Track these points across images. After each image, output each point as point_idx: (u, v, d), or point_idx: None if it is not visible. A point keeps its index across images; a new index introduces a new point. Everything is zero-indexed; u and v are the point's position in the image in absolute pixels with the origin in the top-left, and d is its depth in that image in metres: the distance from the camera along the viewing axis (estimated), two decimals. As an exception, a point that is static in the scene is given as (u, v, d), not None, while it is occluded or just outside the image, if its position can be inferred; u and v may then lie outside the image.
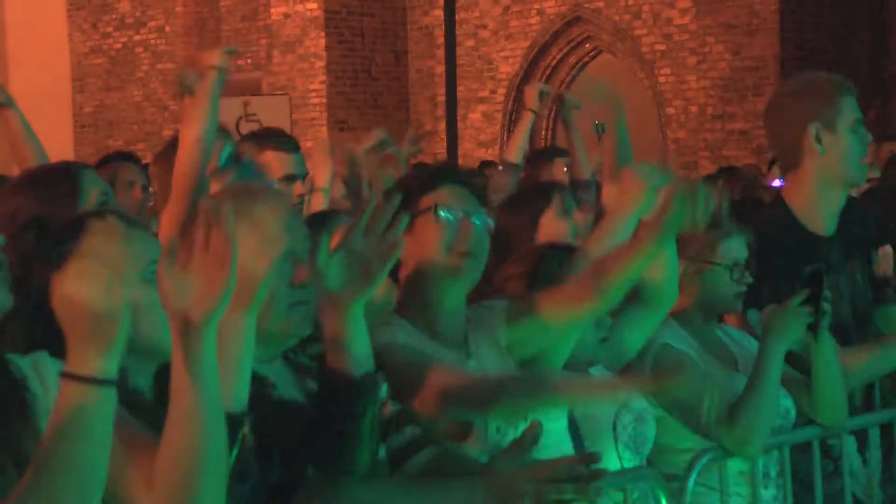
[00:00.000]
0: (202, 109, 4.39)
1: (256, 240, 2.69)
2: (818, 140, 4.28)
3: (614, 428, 3.72)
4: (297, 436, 2.73)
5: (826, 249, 4.29)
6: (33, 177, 3.77)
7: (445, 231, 3.27)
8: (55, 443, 2.13)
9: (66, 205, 3.61)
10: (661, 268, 3.78)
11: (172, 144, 4.84)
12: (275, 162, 5.05)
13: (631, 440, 3.74)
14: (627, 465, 3.75)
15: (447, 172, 3.43)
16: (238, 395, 2.51)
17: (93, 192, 3.68)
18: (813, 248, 4.28)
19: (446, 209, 3.27)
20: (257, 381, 2.77)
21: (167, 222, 4.37)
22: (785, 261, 4.22)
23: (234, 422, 2.43)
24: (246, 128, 13.54)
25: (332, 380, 2.72)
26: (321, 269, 2.72)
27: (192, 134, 4.38)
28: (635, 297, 3.86)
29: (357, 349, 2.73)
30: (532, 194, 4.57)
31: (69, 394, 2.13)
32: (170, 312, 2.25)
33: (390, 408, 3.03)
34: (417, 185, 3.34)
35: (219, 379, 2.27)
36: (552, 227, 4.40)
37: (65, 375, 2.14)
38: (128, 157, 6.53)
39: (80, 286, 2.10)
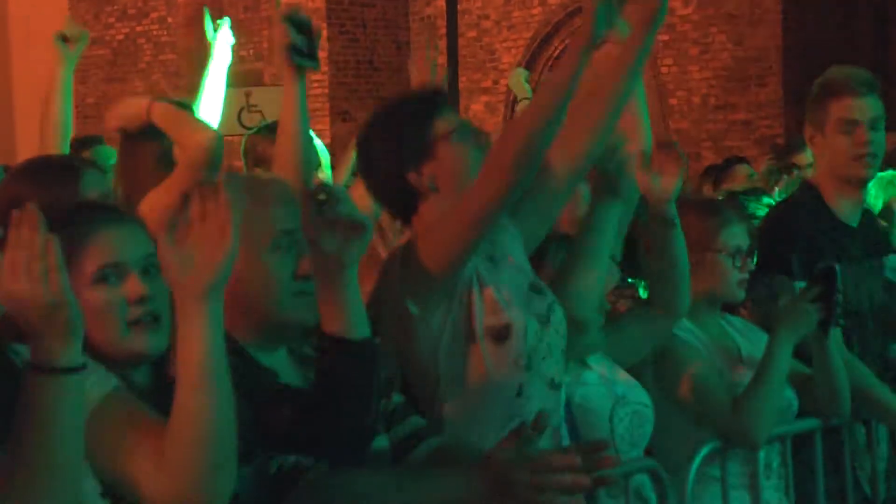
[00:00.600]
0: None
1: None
2: (811, 141, 4.47)
3: (610, 420, 3.72)
4: (298, 423, 2.72)
5: (850, 239, 4.37)
6: (37, 167, 3.75)
7: (470, 153, 3.29)
8: (26, 433, 2.14)
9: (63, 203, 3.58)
10: (674, 273, 3.79)
11: (144, 132, 4.79)
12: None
13: (627, 433, 3.74)
14: (624, 458, 3.75)
15: (443, 96, 3.47)
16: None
17: (92, 193, 3.63)
18: (841, 235, 4.37)
19: (464, 133, 3.32)
20: (260, 370, 2.79)
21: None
22: (818, 243, 4.28)
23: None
24: (248, 119, 13.54)
25: (331, 345, 2.72)
26: (315, 234, 2.71)
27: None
28: (649, 301, 3.87)
29: (354, 313, 2.73)
30: None
31: (33, 385, 2.14)
32: (174, 286, 2.31)
33: (394, 398, 3.04)
34: (424, 110, 3.33)
35: (224, 350, 2.30)
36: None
37: (26, 367, 2.15)
38: (102, 141, 6.53)
39: (15, 281, 2.11)
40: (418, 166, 3.27)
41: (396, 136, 3.29)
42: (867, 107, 4.37)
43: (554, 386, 3.34)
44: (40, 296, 2.11)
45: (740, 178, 8.92)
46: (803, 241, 4.30)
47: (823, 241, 4.32)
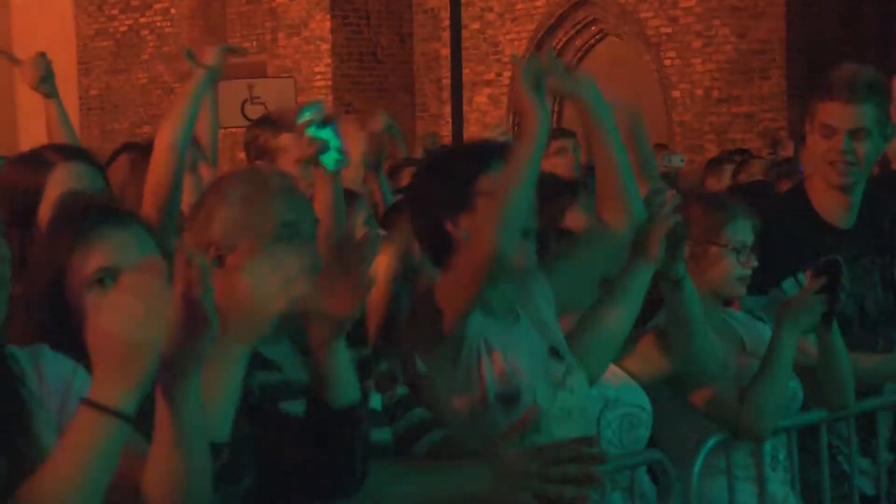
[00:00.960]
0: (181, 110, 4.13)
1: (277, 280, 2.55)
2: (808, 136, 4.42)
3: (597, 423, 3.71)
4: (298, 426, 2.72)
5: (837, 241, 4.34)
6: (22, 155, 3.74)
7: None
8: (61, 462, 2.13)
9: (29, 196, 3.56)
10: (688, 335, 3.79)
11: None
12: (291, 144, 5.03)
13: (616, 436, 3.73)
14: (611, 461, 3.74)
15: (499, 151, 3.46)
16: (221, 424, 2.45)
17: (52, 191, 3.56)
18: (824, 237, 4.34)
19: None
20: (264, 363, 2.78)
21: None
22: (791, 245, 4.28)
23: (213, 450, 2.40)
24: (251, 111, 13.56)
25: (316, 410, 2.69)
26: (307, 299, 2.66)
27: (165, 140, 4.08)
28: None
29: (341, 379, 2.67)
30: (555, 190, 4.57)
31: (86, 420, 2.11)
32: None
33: (397, 391, 3.04)
34: (473, 164, 3.35)
35: (200, 410, 2.26)
36: (577, 222, 4.41)
37: (86, 401, 2.12)
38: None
39: (116, 321, 2.08)
40: (456, 217, 3.31)
41: (441, 184, 3.34)
42: (853, 115, 4.28)
43: None
44: (134, 341, 2.08)
45: (756, 171, 8.93)
46: (781, 242, 4.28)
47: (801, 241, 4.30)
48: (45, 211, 3.51)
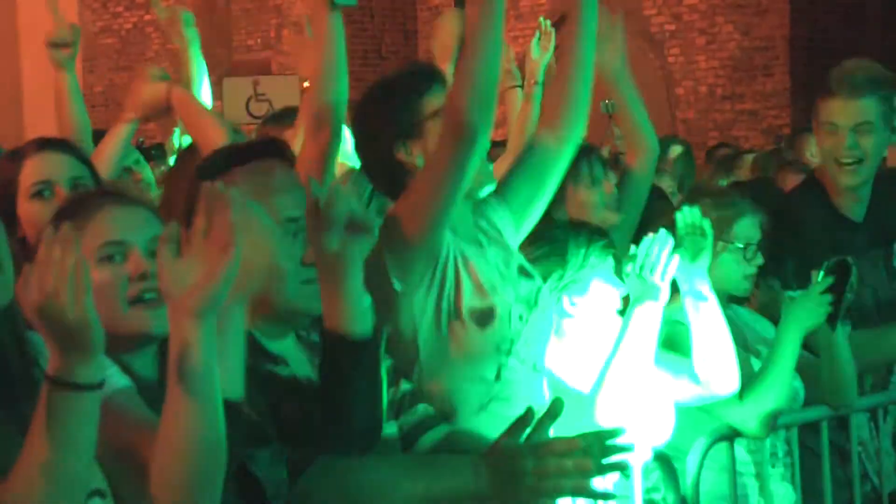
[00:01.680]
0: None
1: (258, 233, 2.64)
2: (816, 134, 4.47)
3: None
4: (306, 414, 2.72)
5: (852, 234, 4.35)
6: (9, 151, 3.76)
7: None
8: (36, 444, 2.12)
9: (6, 189, 3.58)
10: (715, 353, 3.81)
11: (188, 153, 4.83)
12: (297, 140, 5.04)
13: None
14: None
15: (437, 72, 3.47)
16: (234, 382, 2.46)
17: (25, 181, 3.56)
18: (841, 229, 4.36)
19: None
20: (270, 358, 2.80)
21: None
22: (815, 236, 4.29)
23: (233, 408, 2.41)
24: (256, 108, 13.56)
25: (331, 341, 2.70)
26: (314, 235, 2.68)
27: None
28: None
29: (355, 311, 2.68)
30: None
31: (49, 397, 2.11)
32: (168, 300, 2.24)
33: (402, 386, 3.05)
34: (416, 88, 3.34)
35: (216, 367, 2.26)
36: (582, 196, 4.43)
37: (46, 378, 2.12)
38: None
39: (42, 297, 2.07)
40: (407, 144, 3.30)
41: (386, 114, 3.31)
42: (854, 110, 4.30)
43: (535, 370, 3.37)
44: (65, 315, 2.07)
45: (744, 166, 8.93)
46: (801, 237, 4.30)
47: (821, 235, 4.31)
48: (22, 203, 3.52)
